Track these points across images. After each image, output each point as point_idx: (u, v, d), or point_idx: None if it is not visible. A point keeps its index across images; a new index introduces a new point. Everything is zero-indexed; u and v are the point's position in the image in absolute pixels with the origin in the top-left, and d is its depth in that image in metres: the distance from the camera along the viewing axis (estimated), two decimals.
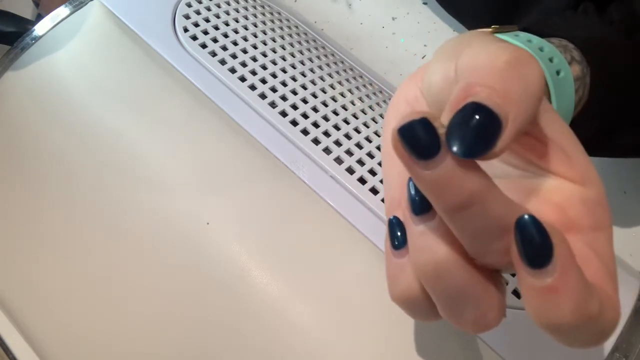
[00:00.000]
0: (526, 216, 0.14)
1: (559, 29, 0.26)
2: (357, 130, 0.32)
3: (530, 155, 0.17)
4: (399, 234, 0.18)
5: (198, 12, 0.36)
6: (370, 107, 0.34)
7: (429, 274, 0.16)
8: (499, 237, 0.15)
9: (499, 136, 0.14)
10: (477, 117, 0.14)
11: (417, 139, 0.14)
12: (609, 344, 0.25)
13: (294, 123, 0.31)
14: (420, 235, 0.16)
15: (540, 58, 0.21)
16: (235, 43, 0.34)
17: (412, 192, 0.16)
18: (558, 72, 0.22)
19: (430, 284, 0.17)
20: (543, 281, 0.14)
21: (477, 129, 0.14)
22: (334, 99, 0.33)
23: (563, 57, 0.23)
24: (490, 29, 0.22)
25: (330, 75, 0.35)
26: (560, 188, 0.17)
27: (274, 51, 0.35)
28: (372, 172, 0.30)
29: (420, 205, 0.16)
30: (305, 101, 0.32)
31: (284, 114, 0.31)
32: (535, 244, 0.14)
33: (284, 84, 0.33)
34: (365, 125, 0.32)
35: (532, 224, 0.14)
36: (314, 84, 0.33)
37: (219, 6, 0.37)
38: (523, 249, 0.14)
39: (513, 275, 0.27)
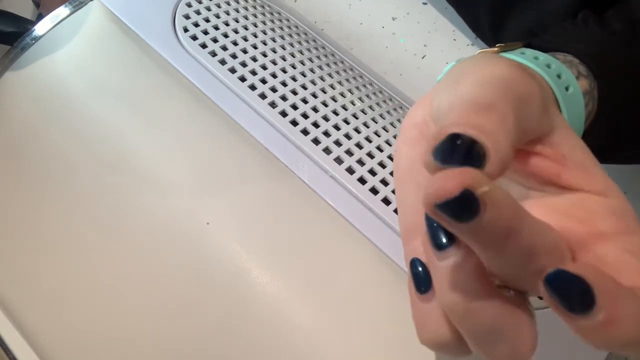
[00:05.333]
0: (551, 271, 0.14)
1: (561, 42, 0.26)
2: (357, 130, 0.32)
3: (547, 176, 0.17)
4: (423, 277, 0.17)
5: (198, 12, 0.36)
6: (370, 107, 0.34)
7: (459, 312, 0.16)
8: (533, 260, 0.15)
9: (484, 159, 0.14)
10: (458, 143, 0.14)
11: (458, 212, 0.13)
12: None
13: (294, 123, 0.31)
14: (446, 273, 0.16)
15: (548, 75, 0.21)
16: (235, 43, 0.34)
17: (432, 228, 0.16)
18: (567, 88, 0.22)
19: (460, 322, 0.16)
20: (595, 320, 0.13)
21: (462, 153, 0.14)
22: (334, 99, 0.33)
23: (570, 73, 0.23)
24: (496, 49, 0.22)
25: (330, 75, 0.35)
26: (583, 202, 0.17)
27: (274, 51, 0.35)
28: (372, 172, 0.30)
29: (443, 241, 0.16)
30: (305, 101, 0.32)
31: (284, 114, 0.31)
32: (572, 293, 0.14)
33: (284, 84, 0.33)
34: (366, 125, 0.32)
35: (561, 277, 0.14)
36: (314, 84, 0.33)
37: (219, 6, 0.37)
38: (563, 303, 0.14)
39: None
